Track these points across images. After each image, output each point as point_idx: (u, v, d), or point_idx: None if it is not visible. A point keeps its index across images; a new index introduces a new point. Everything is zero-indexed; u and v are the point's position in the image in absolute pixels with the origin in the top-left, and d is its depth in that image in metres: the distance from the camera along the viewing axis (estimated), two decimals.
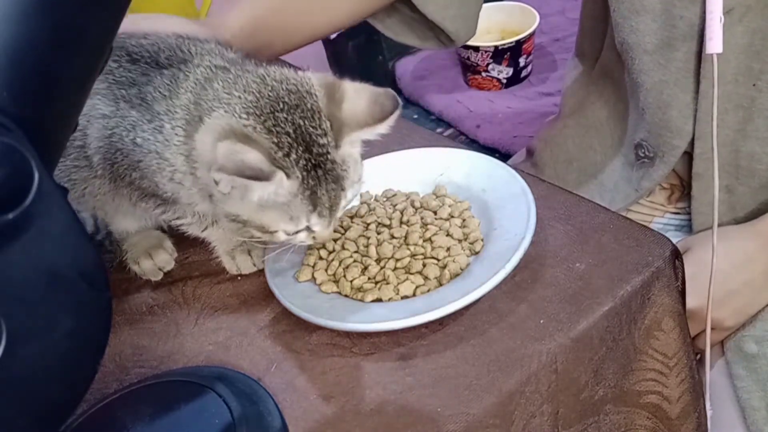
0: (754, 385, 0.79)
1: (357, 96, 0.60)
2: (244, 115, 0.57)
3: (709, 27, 0.73)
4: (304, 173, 0.57)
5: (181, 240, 0.71)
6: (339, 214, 0.61)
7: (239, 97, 0.58)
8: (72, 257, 0.38)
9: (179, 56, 0.65)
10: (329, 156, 0.58)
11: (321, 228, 0.60)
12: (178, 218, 0.68)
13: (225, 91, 0.59)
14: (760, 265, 0.80)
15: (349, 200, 0.62)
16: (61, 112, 0.39)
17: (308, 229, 0.60)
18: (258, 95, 0.58)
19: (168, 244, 0.73)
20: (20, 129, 0.34)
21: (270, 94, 0.58)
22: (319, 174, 0.58)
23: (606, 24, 0.91)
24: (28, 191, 0.34)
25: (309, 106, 0.58)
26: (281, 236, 0.61)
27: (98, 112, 0.64)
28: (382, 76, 1.73)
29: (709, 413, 0.75)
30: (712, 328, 0.79)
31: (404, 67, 1.74)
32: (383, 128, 0.60)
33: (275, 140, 0.57)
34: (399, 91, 1.75)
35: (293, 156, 0.57)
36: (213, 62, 0.63)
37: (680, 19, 0.78)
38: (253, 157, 0.55)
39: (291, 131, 0.57)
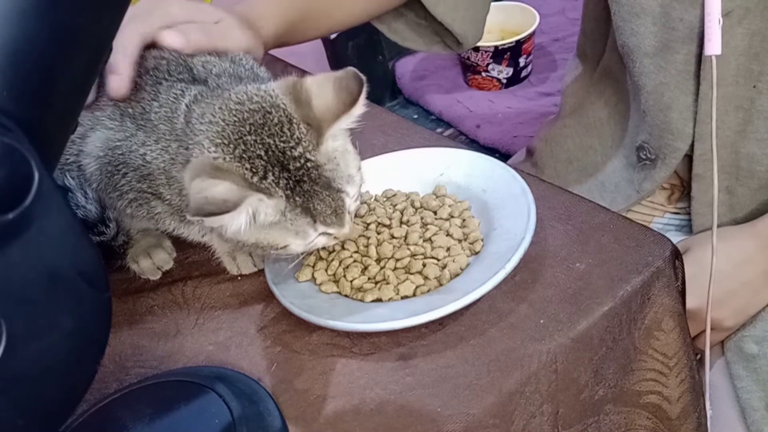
0: (754, 385, 0.79)
1: (321, 89, 0.58)
2: (213, 148, 0.57)
3: (707, 29, 0.74)
4: (288, 192, 0.56)
5: (181, 240, 0.71)
6: (351, 211, 0.60)
7: (206, 131, 0.58)
8: (72, 257, 0.38)
9: (191, 74, 0.65)
10: (310, 164, 0.57)
11: (336, 230, 0.60)
12: (175, 229, 0.68)
13: (199, 122, 0.59)
14: (759, 266, 0.80)
15: (355, 194, 0.60)
16: (61, 112, 0.39)
17: (324, 234, 0.60)
18: (223, 124, 0.58)
19: (167, 243, 0.73)
20: (20, 129, 0.34)
21: (234, 119, 0.57)
22: (305, 188, 0.57)
23: (608, 26, 0.91)
24: (28, 191, 0.34)
25: (276, 120, 0.57)
26: (297, 248, 0.60)
27: (103, 124, 0.65)
28: (382, 76, 1.73)
29: (709, 413, 0.75)
30: (711, 328, 0.79)
31: (404, 67, 1.74)
32: (358, 110, 0.58)
33: (248, 166, 0.56)
34: (399, 91, 1.75)
35: (270, 177, 0.56)
36: (210, 85, 0.63)
37: (680, 21, 0.78)
38: (221, 189, 0.54)
39: (262, 153, 0.56)
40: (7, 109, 0.35)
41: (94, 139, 0.65)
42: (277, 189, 0.56)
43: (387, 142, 0.80)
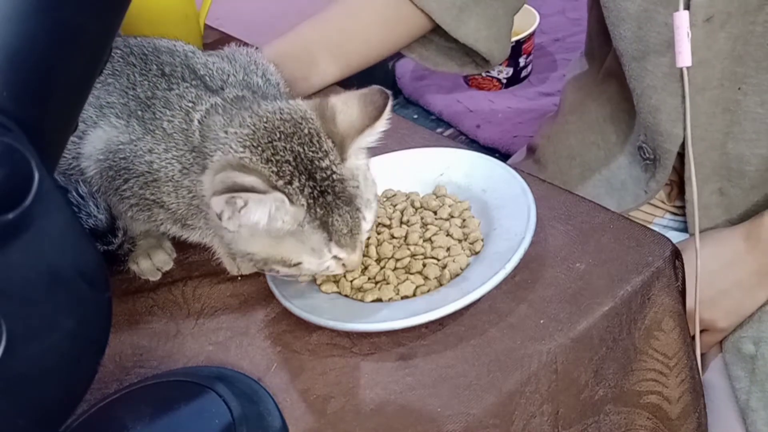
0: (753, 386, 0.79)
1: (347, 105, 0.59)
2: (241, 149, 0.57)
3: (677, 41, 0.74)
4: (310, 201, 0.56)
5: (182, 240, 0.71)
6: (363, 237, 0.60)
7: (235, 133, 0.58)
8: (72, 257, 0.38)
9: (209, 83, 0.65)
10: (336, 176, 0.57)
11: (347, 255, 0.59)
12: (176, 233, 0.68)
13: (222, 131, 0.59)
14: (749, 265, 0.80)
15: (370, 222, 0.60)
16: (61, 112, 0.39)
17: (335, 258, 0.59)
18: (254, 128, 0.58)
19: (167, 244, 0.73)
20: (20, 129, 0.34)
21: (265, 125, 0.58)
22: (329, 200, 0.57)
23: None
24: (28, 191, 0.34)
25: (306, 131, 0.58)
26: (310, 266, 0.59)
27: (107, 120, 0.65)
28: (382, 76, 1.73)
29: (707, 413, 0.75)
30: (706, 330, 0.80)
31: (404, 67, 1.74)
32: (382, 125, 0.59)
33: (274, 169, 0.56)
34: (399, 91, 1.75)
35: (296, 184, 0.56)
36: (228, 96, 0.64)
37: (665, 25, 0.79)
38: (249, 180, 0.54)
39: (291, 159, 0.56)
40: (7, 109, 0.35)
41: (94, 139, 0.65)
42: (300, 197, 0.56)
43: (387, 142, 0.79)
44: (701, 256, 0.75)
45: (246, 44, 0.78)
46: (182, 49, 0.69)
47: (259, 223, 0.55)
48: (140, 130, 0.63)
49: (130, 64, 0.67)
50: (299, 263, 0.59)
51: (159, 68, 0.66)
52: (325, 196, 0.56)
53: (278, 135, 0.57)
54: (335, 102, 0.59)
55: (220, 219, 0.55)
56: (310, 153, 0.57)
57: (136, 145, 0.63)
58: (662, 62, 0.81)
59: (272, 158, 0.56)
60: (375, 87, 0.59)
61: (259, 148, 0.57)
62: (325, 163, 0.57)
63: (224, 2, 1.18)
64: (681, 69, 0.76)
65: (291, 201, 0.55)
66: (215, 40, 1.10)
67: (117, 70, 0.67)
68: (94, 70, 0.41)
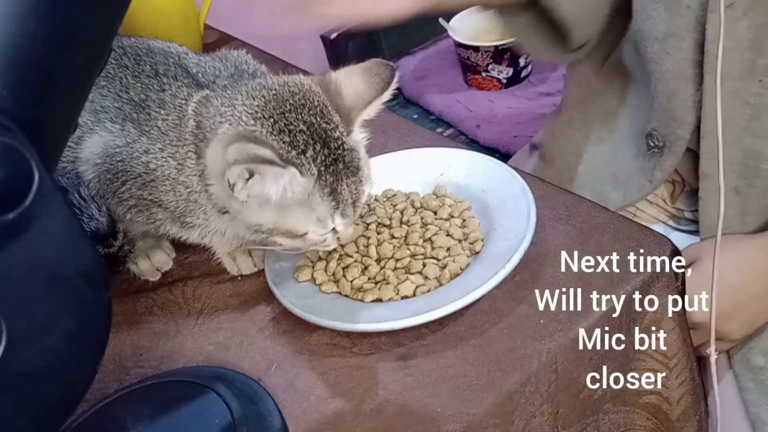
0: (762, 398, 0.78)
1: (350, 79, 0.60)
2: (252, 121, 0.57)
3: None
4: (322, 168, 0.57)
5: (181, 241, 0.71)
6: (359, 211, 0.61)
7: (243, 105, 0.59)
8: (72, 257, 0.38)
9: (200, 79, 0.66)
10: (346, 147, 0.58)
11: (344, 227, 0.60)
12: (175, 233, 0.68)
13: (225, 106, 0.59)
14: None
15: (366, 197, 0.61)
16: (61, 112, 0.39)
17: (333, 230, 0.60)
18: (264, 100, 0.58)
19: (166, 244, 0.73)
20: (20, 129, 0.34)
21: (275, 97, 0.59)
22: (339, 168, 0.58)
23: (623, 18, 0.91)
24: (28, 191, 0.34)
25: (315, 103, 0.59)
26: (314, 237, 0.60)
27: (103, 126, 0.65)
28: None
29: (719, 428, 0.74)
30: (718, 339, 0.79)
31: (404, 67, 1.74)
32: (387, 96, 0.60)
33: (287, 139, 0.57)
34: (399, 91, 1.74)
35: (310, 152, 0.57)
36: (218, 85, 0.64)
37: (687, 8, 0.78)
38: (265, 152, 0.55)
39: (305, 129, 0.57)
40: (7, 109, 0.35)
41: (91, 144, 0.65)
42: (312, 166, 0.57)
43: (387, 142, 0.80)
44: (720, 265, 0.73)
45: (246, 44, 0.78)
46: (176, 50, 0.69)
47: (270, 195, 0.56)
48: (135, 132, 0.64)
49: (123, 66, 0.67)
50: (305, 234, 0.60)
51: (152, 68, 0.66)
52: (337, 164, 0.58)
53: (289, 107, 0.58)
54: (338, 76, 0.61)
55: (231, 190, 0.56)
56: (324, 124, 0.58)
57: (132, 147, 0.63)
58: (682, 46, 0.80)
59: (285, 129, 0.57)
60: (377, 60, 0.61)
61: (271, 119, 0.57)
62: (336, 134, 0.58)
63: (224, 2, 1.18)
64: (713, 48, 0.74)
65: (301, 173, 0.56)
66: (215, 40, 1.10)
67: (110, 72, 0.67)
68: (94, 70, 0.41)
